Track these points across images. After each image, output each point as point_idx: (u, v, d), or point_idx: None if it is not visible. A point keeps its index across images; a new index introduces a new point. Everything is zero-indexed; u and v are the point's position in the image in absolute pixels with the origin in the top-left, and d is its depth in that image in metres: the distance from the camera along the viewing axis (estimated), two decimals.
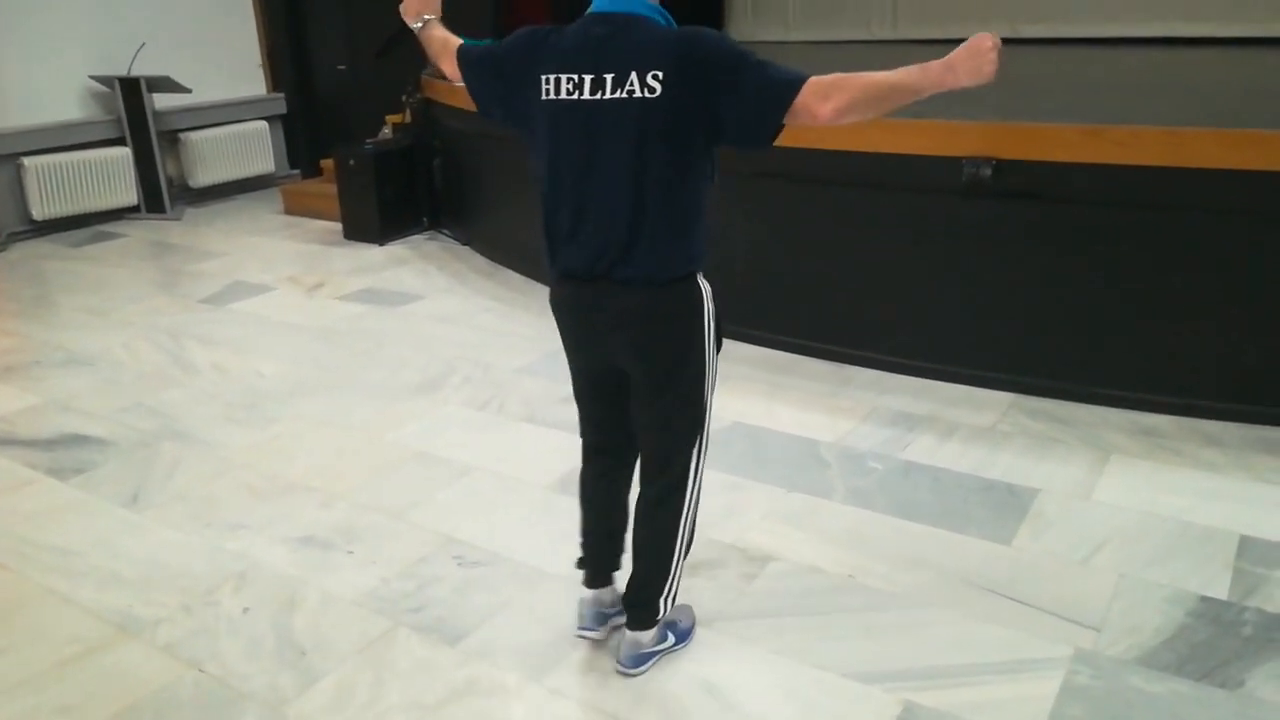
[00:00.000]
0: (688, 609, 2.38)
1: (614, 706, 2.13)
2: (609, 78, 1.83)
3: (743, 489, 2.97)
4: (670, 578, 2.18)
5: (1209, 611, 2.36)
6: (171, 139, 7.00)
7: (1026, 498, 2.90)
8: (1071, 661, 2.21)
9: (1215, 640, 2.27)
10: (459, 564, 2.66)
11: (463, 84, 2.13)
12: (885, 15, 7.31)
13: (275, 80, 7.78)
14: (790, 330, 4.02)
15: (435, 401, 3.73)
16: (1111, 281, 3.38)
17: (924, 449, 3.21)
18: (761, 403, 3.54)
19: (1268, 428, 3.24)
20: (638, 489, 2.22)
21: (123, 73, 6.51)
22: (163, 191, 6.79)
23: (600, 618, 2.31)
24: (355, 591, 2.55)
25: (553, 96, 1.89)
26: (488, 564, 2.66)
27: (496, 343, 4.32)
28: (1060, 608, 2.39)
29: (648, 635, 2.23)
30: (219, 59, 7.33)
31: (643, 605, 2.20)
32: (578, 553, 2.34)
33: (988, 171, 3.36)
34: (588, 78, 1.85)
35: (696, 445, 2.12)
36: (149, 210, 6.80)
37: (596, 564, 2.32)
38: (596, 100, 1.84)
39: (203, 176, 7.14)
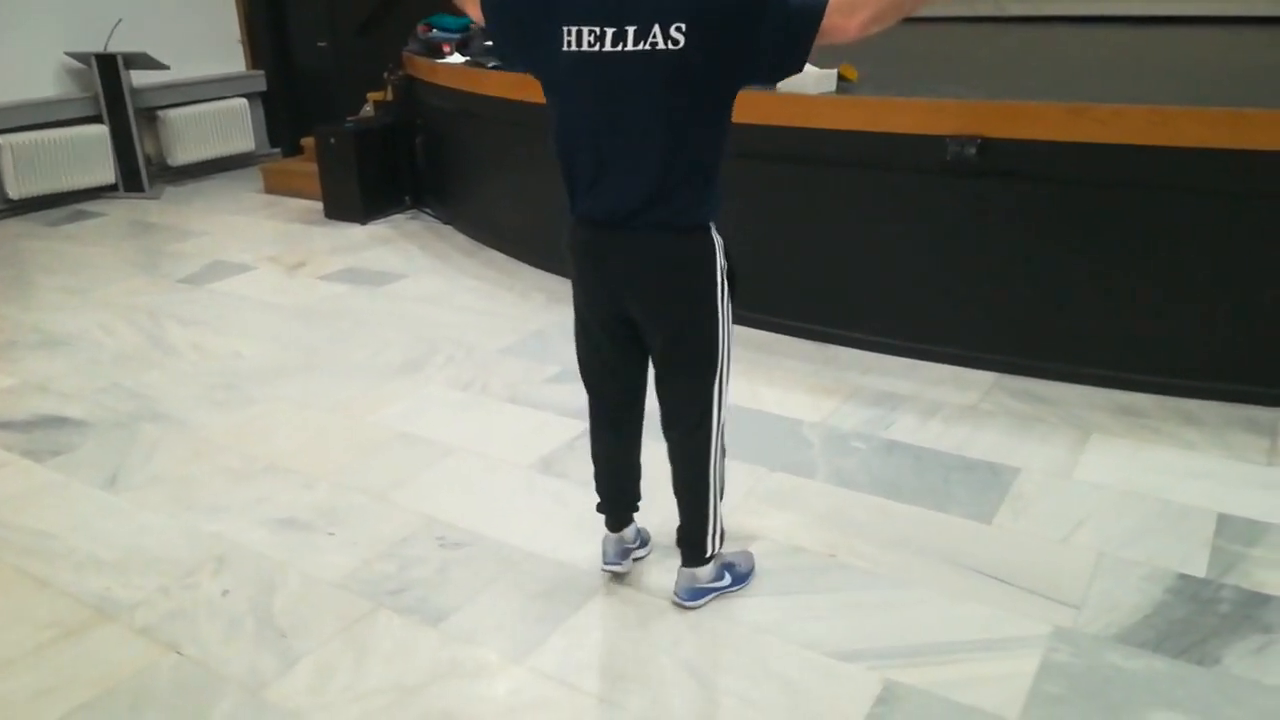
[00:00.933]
0: (748, 555, 2.49)
1: (597, 686, 2.13)
2: (630, 30, 1.85)
3: (726, 469, 2.96)
4: (711, 517, 2.28)
5: (1187, 589, 2.38)
6: (150, 117, 6.92)
7: (1008, 477, 2.91)
8: (1051, 639, 2.22)
9: (1193, 617, 2.28)
10: (441, 545, 2.65)
11: (487, 29, 2.18)
12: None
13: (255, 57, 7.68)
14: (774, 310, 4.01)
15: (418, 382, 3.71)
16: (1094, 260, 3.38)
17: (906, 428, 3.21)
18: (745, 383, 3.54)
19: (1247, 406, 3.25)
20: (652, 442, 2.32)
21: (99, 49, 6.41)
22: (141, 170, 6.72)
23: (623, 553, 2.44)
24: (336, 573, 2.54)
25: (574, 48, 1.91)
26: (470, 544, 2.65)
27: (479, 323, 4.29)
28: (1040, 586, 2.41)
29: (703, 571, 2.34)
30: (197, 35, 7.24)
31: (692, 545, 2.32)
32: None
33: (972, 150, 3.35)
34: (609, 30, 1.87)
35: (717, 387, 2.17)
36: (127, 189, 6.73)
37: (614, 508, 2.43)
38: (619, 51, 1.87)
39: (181, 155, 7.06)
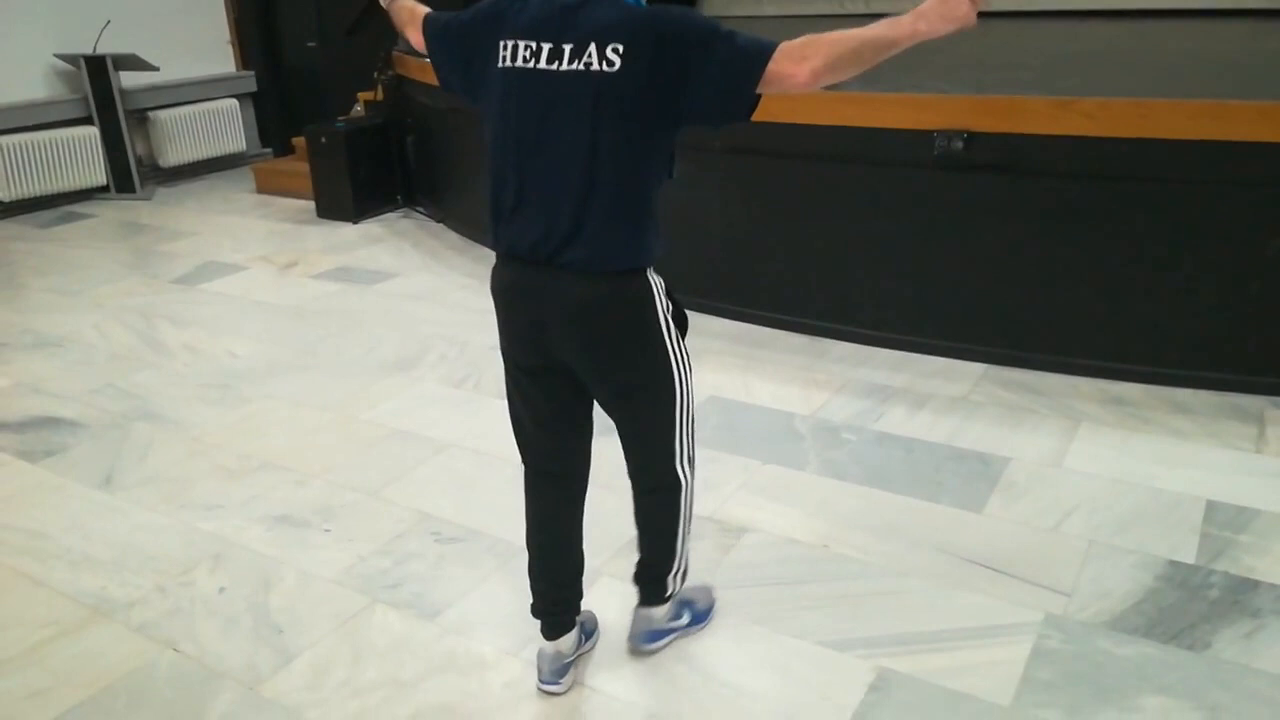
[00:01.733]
0: (706, 590, 2.34)
1: (592, 678, 2.14)
2: (567, 48, 1.73)
3: (719, 462, 2.98)
4: (676, 558, 2.13)
5: (1176, 575, 2.40)
6: (140, 118, 6.91)
7: (998, 466, 2.93)
8: (1042, 626, 2.24)
9: (1182, 603, 2.30)
10: (436, 540, 2.66)
11: (428, 57, 2.05)
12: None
13: (245, 58, 7.67)
14: (766, 304, 4.03)
15: (411, 379, 3.72)
16: (1082, 252, 3.41)
17: (897, 420, 3.23)
18: (738, 376, 3.56)
19: (1235, 394, 3.28)
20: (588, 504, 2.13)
21: (88, 51, 6.40)
22: (132, 171, 6.71)
23: (562, 670, 2.12)
24: (332, 569, 2.55)
25: (508, 64, 1.79)
26: (465, 540, 2.66)
27: (472, 320, 4.30)
28: (1031, 574, 2.43)
29: (659, 611, 2.19)
30: (186, 36, 7.23)
31: (651, 583, 2.17)
32: (529, 600, 2.16)
33: (960, 144, 3.37)
34: (546, 46, 1.75)
35: (679, 436, 2.00)
36: (118, 190, 6.72)
37: (552, 609, 2.12)
38: (553, 70, 1.74)
39: (173, 156, 7.05)
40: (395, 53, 6.02)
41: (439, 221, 5.90)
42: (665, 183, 1.85)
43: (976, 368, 3.59)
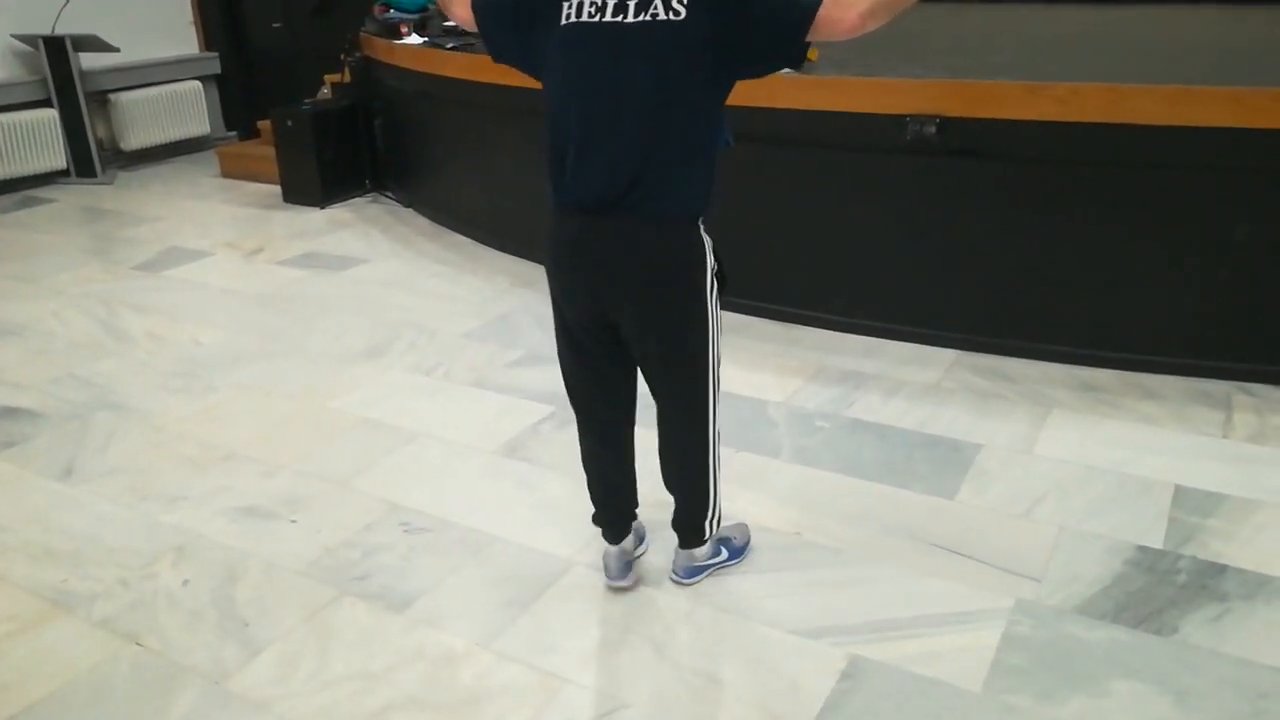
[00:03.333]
0: (742, 526, 2.50)
1: (562, 668, 2.12)
2: (632, 2, 1.84)
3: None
4: (710, 504, 2.29)
5: (1145, 560, 2.42)
6: (101, 100, 6.76)
7: (969, 453, 2.93)
8: (1013, 612, 2.25)
9: (1151, 588, 2.32)
10: (405, 530, 2.63)
11: (475, 29, 2.12)
12: None
13: (208, 39, 7.53)
14: (738, 291, 3.96)
15: (380, 367, 3.67)
16: (1053, 237, 3.42)
17: (869, 407, 3.23)
18: None
19: (1204, 380, 3.31)
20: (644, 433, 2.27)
21: (47, 31, 6.24)
22: (93, 155, 6.57)
23: (627, 566, 2.36)
24: (299, 561, 2.51)
25: (573, 19, 1.89)
26: (434, 530, 2.63)
27: (442, 307, 4.26)
28: (1002, 560, 2.43)
29: (701, 550, 2.36)
30: (148, 17, 7.08)
31: (690, 530, 2.33)
32: (590, 510, 2.38)
33: (932, 129, 3.36)
34: (611, 1, 1.86)
35: (709, 386, 2.16)
36: (79, 174, 6.58)
37: (613, 521, 2.35)
38: (618, 22, 1.85)
39: (134, 139, 6.91)
40: (363, 34, 5.94)
41: (408, 206, 5.83)
42: (723, 152, 2.00)
43: (949, 354, 3.60)
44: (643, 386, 2.25)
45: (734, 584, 2.39)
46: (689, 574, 2.37)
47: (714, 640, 2.20)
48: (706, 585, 2.37)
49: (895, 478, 2.82)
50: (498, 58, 2.13)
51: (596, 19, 1.87)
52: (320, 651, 2.19)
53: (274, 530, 2.65)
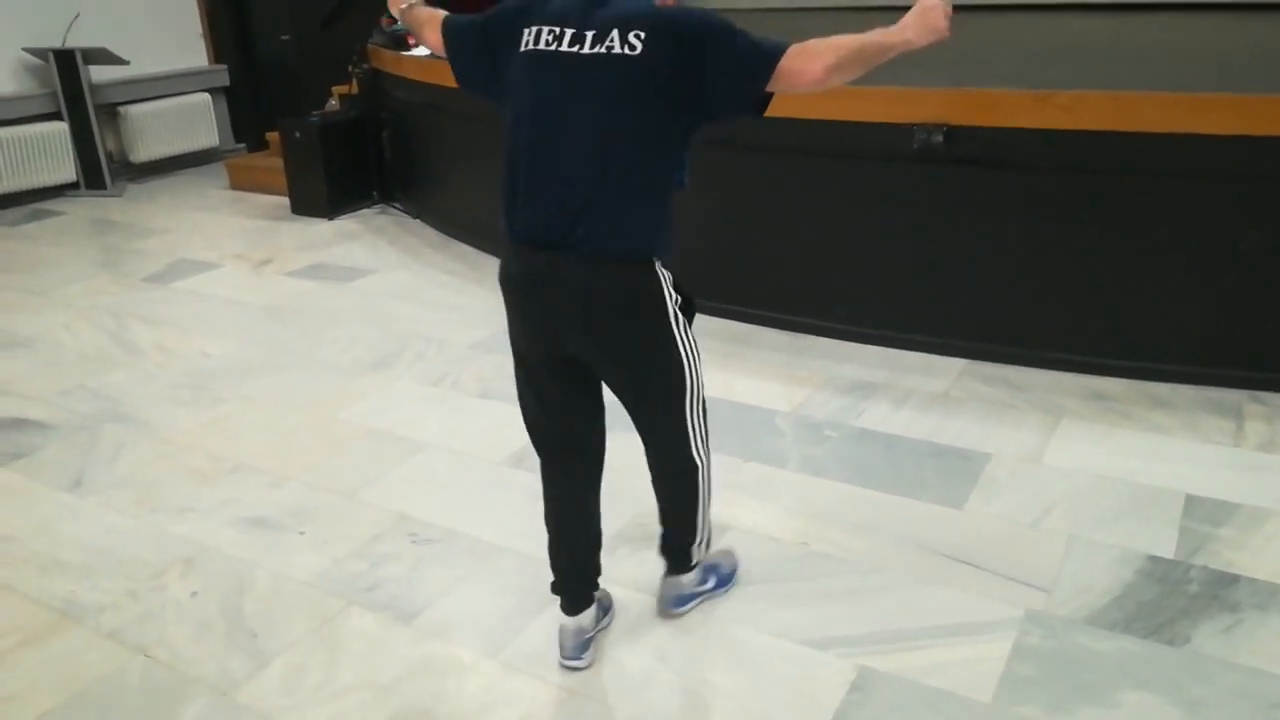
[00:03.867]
0: (729, 554, 2.45)
1: (569, 680, 2.12)
2: (589, 34, 1.82)
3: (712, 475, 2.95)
4: (698, 530, 2.23)
5: (1156, 570, 2.41)
6: (110, 113, 6.80)
7: (979, 462, 2.92)
8: (1023, 622, 2.24)
9: (1162, 598, 2.31)
10: (413, 541, 2.63)
11: (444, 54, 2.10)
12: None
13: (217, 51, 7.57)
14: (747, 300, 4.01)
15: (388, 378, 3.68)
16: (1062, 245, 3.41)
17: (878, 416, 3.22)
18: (718, 374, 3.51)
19: (1214, 389, 3.29)
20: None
21: (57, 45, 6.29)
22: (102, 167, 6.61)
23: (584, 645, 2.16)
24: (307, 572, 2.51)
25: (530, 47, 1.87)
26: (442, 541, 2.63)
27: (450, 318, 4.26)
28: (1012, 570, 2.42)
29: (688, 578, 2.29)
30: (157, 30, 7.12)
31: (676, 553, 2.27)
32: (549, 577, 2.18)
33: (939, 138, 3.36)
34: (569, 31, 1.83)
35: (690, 421, 2.06)
36: (89, 187, 6.61)
37: (573, 589, 2.17)
38: (574, 53, 1.82)
39: (144, 151, 6.94)
40: (371, 46, 5.96)
41: (416, 218, 5.84)
42: (677, 191, 1.92)
43: (957, 363, 3.59)
44: (614, 436, 2.15)
45: (742, 594, 2.38)
46: (677, 603, 2.29)
47: (722, 651, 2.19)
48: (715, 596, 2.36)
49: (904, 487, 2.81)
50: (463, 84, 2.10)
51: (553, 48, 1.84)
52: (328, 663, 2.19)
53: (282, 541, 2.65)
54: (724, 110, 1.85)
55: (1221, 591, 2.32)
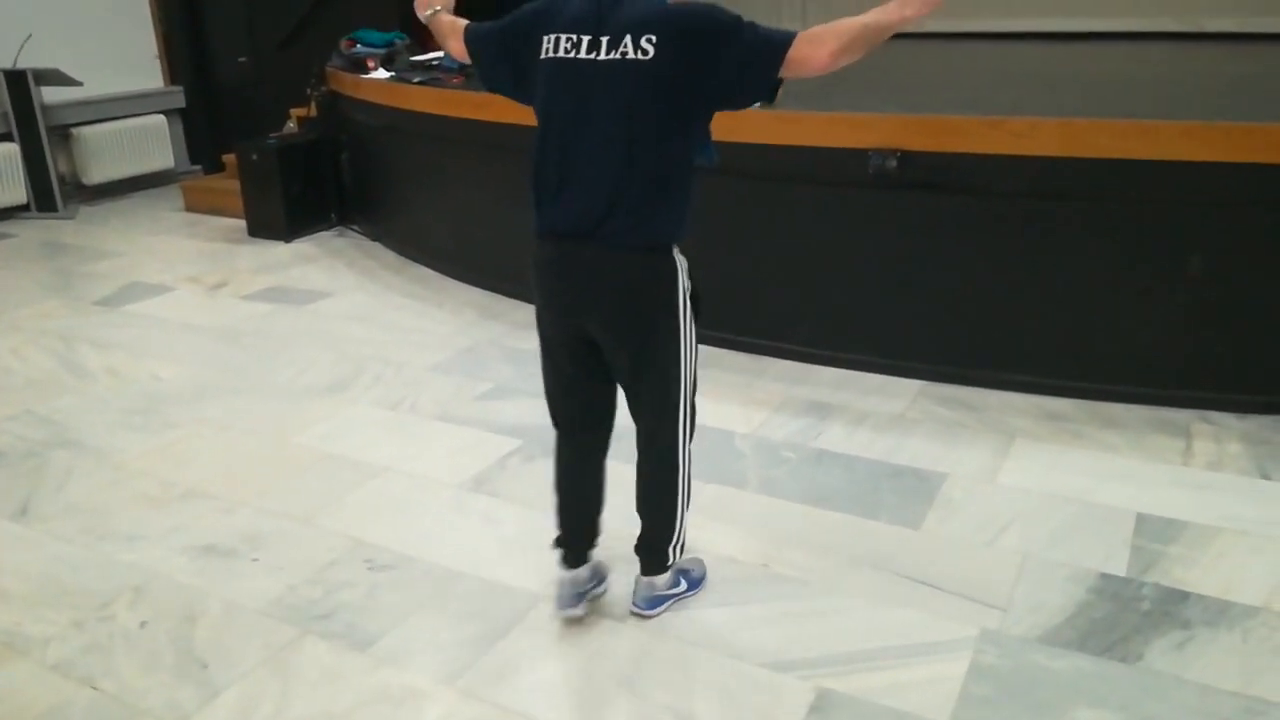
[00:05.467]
0: (699, 560, 2.51)
1: (528, 706, 2.10)
2: (605, 40, 1.93)
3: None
4: (676, 528, 2.31)
5: (1108, 588, 2.44)
6: (63, 134, 6.70)
7: (935, 482, 2.95)
8: (978, 641, 2.25)
9: (1115, 616, 2.33)
10: (369, 568, 2.60)
11: (469, 61, 2.24)
12: (795, 11, 7.39)
13: (173, 73, 7.50)
14: (704, 323, 3.99)
15: (344, 402, 3.64)
16: (1014, 269, 3.46)
17: (835, 437, 3.25)
18: None
19: (1164, 409, 3.35)
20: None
21: (8, 65, 6.19)
22: (54, 189, 6.49)
23: (578, 596, 2.34)
24: (260, 600, 2.47)
25: (550, 54, 1.99)
26: (399, 567, 2.60)
27: (408, 340, 4.23)
28: (967, 589, 2.44)
29: (661, 579, 2.36)
30: (112, 51, 7.04)
31: (653, 553, 2.33)
32: (554, 532, 2.35)
33: (893, 163, 3.40)
34: (586, 38, 1.95)
35: (681, 407, 2.19)
36: (40, 209, 6.50)
37: (574, 545, 2.35)
38: (591, 60, 1.94)
39: (97, 173, 6.84)
40: (330, 69, 5.94)
41: (374, 240, 5.81)
42: (707, 167, 2.08)
43: (913, 385, 3.62)
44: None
45: (701, 617, 2.37)
46: (650, 604, 2.36)
47: (682, 675, 2.18)
48: (673, 619, 2.36)
49: (861, 508, 2.82)
50: (489, 87, 2.23)
51: (572, 55, 1.97)
52: (281, 692, 2.15)
53: (234, 569, 2.60)
54: (739, 101, 1.99)
55: (1173, 608, 2.36)
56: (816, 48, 1.86)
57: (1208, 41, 6.19)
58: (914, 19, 1.87)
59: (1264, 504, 2.80)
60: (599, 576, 2.42)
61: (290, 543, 2.72)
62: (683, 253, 2.11)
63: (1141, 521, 2.71)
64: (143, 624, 2.38)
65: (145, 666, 2.23)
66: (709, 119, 2.04)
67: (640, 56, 1.91)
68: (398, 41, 5.81)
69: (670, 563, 2.35)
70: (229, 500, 2.94)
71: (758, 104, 2.02)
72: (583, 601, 2.34)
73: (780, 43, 1.88)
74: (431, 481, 3.03)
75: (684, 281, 2.10)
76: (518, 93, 2.15)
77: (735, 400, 3.54)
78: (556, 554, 2.34)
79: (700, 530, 2.71)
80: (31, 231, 6.23)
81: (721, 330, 4.00)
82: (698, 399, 2.26)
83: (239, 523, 2.82)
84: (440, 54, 5.52)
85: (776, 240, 3.82)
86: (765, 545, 2.65)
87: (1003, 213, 3.42)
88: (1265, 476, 2.94)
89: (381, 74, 5.44)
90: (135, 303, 4.81)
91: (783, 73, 1.90)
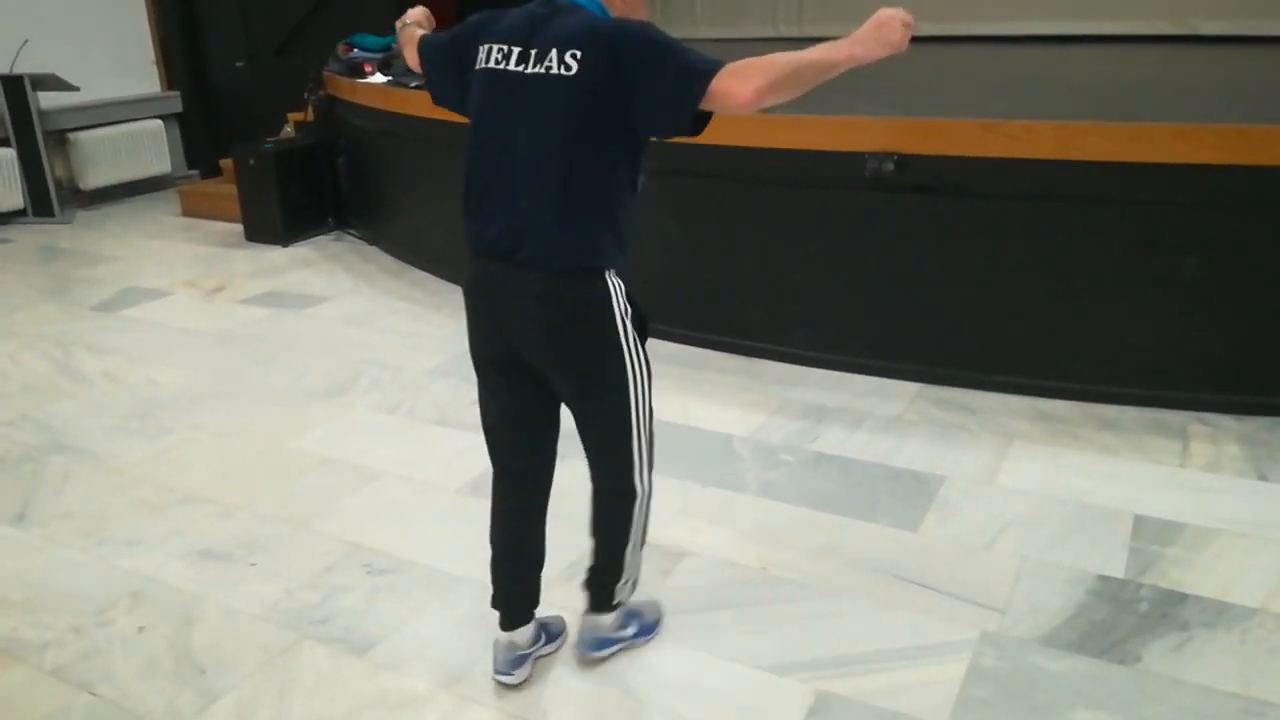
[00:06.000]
0: (654, 605, 2.37)
1: (528, 711, 2.10)
2: (534, 52, 1.85)
3: (659, 486, 2.89)
4: (624, 568, 2.16)
5: (1107, 590, 2.44)
6: (60, 139, 6.70)
7: (933, 485, 2.95)
8: (977, 644, 2.25)
9: (1113, 618, 2.34)
10: (367, 572, 2.60)
11: (421, 73, 2.18)
12: (791, 13, 7.41)
13: (170, 78, 7.50)
14: (703, 326, 4.03)
15: (342, 406, 3.64)
16: (1011, 271, 3.47)
17: (834, 440, 3.25)
18: (676, 399, 3.54)
19: (1160, 410, 3.36)
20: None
21: (5, 70, 6.19)
22: (51, 194, 6.49)
23: (518, 661, 2.17)
24: (258, 605, 2.46)
25: (483, 65, 1.93)
26: (397, 571, 2.60)
27: (406, 344, 4.23)
28: (966, 591, 2.44)
29: (607, 620, 2.22)
30: (109, 56, 7.04)
31: (599, 589, 2.19)
32: (489, 589, 2.20)
33: (890, 166, 3.41)
34: (516, 50, 1.88)
35: (635, 442, 2.03)
36: (36, 214, 6.49)
37: (512, 605, 2.19)
38: (519, 72, 1.87)
39: (94, 178, 6.84)
40: (327, 73, 5.94)
41: (372, 244, 5.81)
42: (633, 195, 1.93)
43: (911, 387, 3.63)
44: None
45: (700, 620, 2.37)
46: (595, 646, 2.22)
47: (681, 678, 2.18)
48: (672, 621, 2.36)
49: (860, 511, 2.83)
50: (435, 99, 2.15)
51: (502, 67, 1.89)
52: (279, 698, 2.14)
53: (232, 573, 2.60)
54: (658, 128, 1.84)
55: (1171, 610, 2.36)
56: (741, 83, 1.71)
57: (1201, 44, 6.21)
58: (864, 61, 1.74)
59: (1261, 505, 2.80)
60: (550, 634, 2.27)
61: (288, 547, 2.71)
62: (621, 275, 1.96)
63: (1139, 523, 2.72)
64: (141, 629, 2.38)
65: (143, 672, 2.23)
66: (637, 146, 1.89)
67: (563, 72, 1.81)
68: (394, 46, 5.81)
69: (617, 601, 2.20)
70: (226, 505, 2.93)
71: (683, 134, 1.83)
72: (525, 665, 2.17)
73: (704, 73, 1.73)
74: (429, 485, 3.03)
75: (620, 305, 1.93)
76: (460, 104, 2.05)
77: (733, 403, 3.54)
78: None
79: (699, 533, 2.72)
80: (28, 236, 6.23)
81: (719, 333, 4.01)
82: (656, 427, 2.09)
83: (237, 528, 2.82)
84: None
85: (774, 243, 3.83)
86: (764, 548, 2.65)
87: (999, 215, 3.42)
88: (1262, 478, 2.95)
89: (378, 78, 5.44)
90: (132, 307, 4.80)
91: (705, 105, 1.75)
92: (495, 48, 1.91)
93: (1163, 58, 5.83)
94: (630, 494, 2.08)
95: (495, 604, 2.19)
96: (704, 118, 1.80)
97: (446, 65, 2.08)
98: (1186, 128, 3.13)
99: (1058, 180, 3.27)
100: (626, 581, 2.19)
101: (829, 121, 3.55)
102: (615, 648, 2.24)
